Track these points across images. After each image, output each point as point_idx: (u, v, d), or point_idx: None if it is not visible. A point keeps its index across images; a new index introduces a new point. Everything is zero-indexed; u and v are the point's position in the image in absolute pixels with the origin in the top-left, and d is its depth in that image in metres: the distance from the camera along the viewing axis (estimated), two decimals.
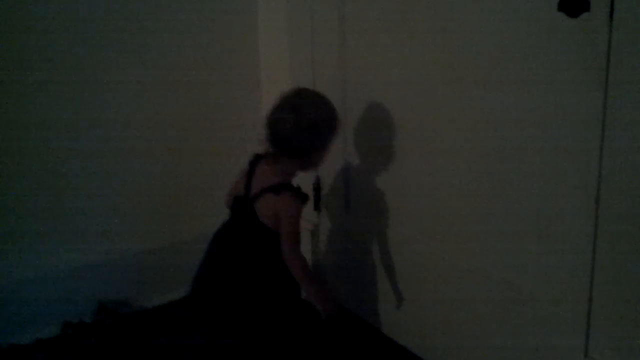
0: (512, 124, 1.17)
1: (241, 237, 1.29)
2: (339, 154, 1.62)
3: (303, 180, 1.75)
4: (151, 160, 1.69)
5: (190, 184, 1.74)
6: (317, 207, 1.73)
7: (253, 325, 1.28)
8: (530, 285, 1.19)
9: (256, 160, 1.33)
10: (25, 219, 1.55)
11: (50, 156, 1.55)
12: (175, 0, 1.66)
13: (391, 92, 1.43)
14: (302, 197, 1.31)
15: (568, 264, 1.11)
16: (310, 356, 1.49)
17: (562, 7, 1.00)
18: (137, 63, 1.63)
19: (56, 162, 1.56)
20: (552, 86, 1.08)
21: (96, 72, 1.57)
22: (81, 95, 1.56)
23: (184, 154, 1.74)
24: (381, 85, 1.46)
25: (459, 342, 1.36)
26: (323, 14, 1.57)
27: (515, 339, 1.23)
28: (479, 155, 1.24)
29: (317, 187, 1.72)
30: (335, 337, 1.58)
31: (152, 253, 1.70)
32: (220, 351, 1.30)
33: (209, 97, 1.75)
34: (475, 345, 1.33)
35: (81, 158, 1.59)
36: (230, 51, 1.77)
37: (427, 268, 1.41)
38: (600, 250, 1.06)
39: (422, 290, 1.44)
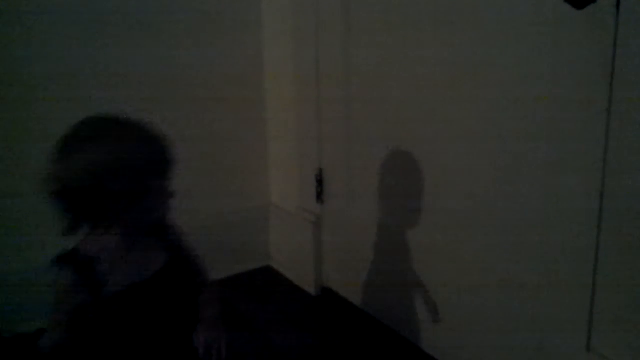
0: (516, 119, 1.16)
1: None
2: (343, 145, 1.62)
3: (306, 170, 1.76)
4: None
5: (189, 186, 1.74)
6: (319, 199, 1.73)
7: None
8: (533, 281, 1.19)
9: None
10: (30, 209, 1.55)
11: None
12: (177, 6, 1.67)
13: (396, 86, 1.42)
14: (74, 269, 0.93)
15: (572, 259, 1.11)
16: (310, 352, 1.50)
17: None
18: (138, 64, 1.62)
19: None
20: (557, 79, 1.07)
21: (95, 76, 1.57)
22: (79, 95, 1.56)
23: (185, 159, 1.75)
24: (386, 78, 1.45)
25: (460, 337, 1.36)
26: (327, 17, 1.57)
27: (518, 335, 1.23)
28: (483, 150, 1.24)
29: (319, 179, 1.72)
30: (338, 333, 1.59)
31: None
32: None
33: (212, 105, 1.77)
34: (477, 340, 1.32)
35: None
36: (233, 57, 1.78)
37: (430, 263, 1.41)
38: (604, 246, 1.05)
39: (424, 284, 1.44)
